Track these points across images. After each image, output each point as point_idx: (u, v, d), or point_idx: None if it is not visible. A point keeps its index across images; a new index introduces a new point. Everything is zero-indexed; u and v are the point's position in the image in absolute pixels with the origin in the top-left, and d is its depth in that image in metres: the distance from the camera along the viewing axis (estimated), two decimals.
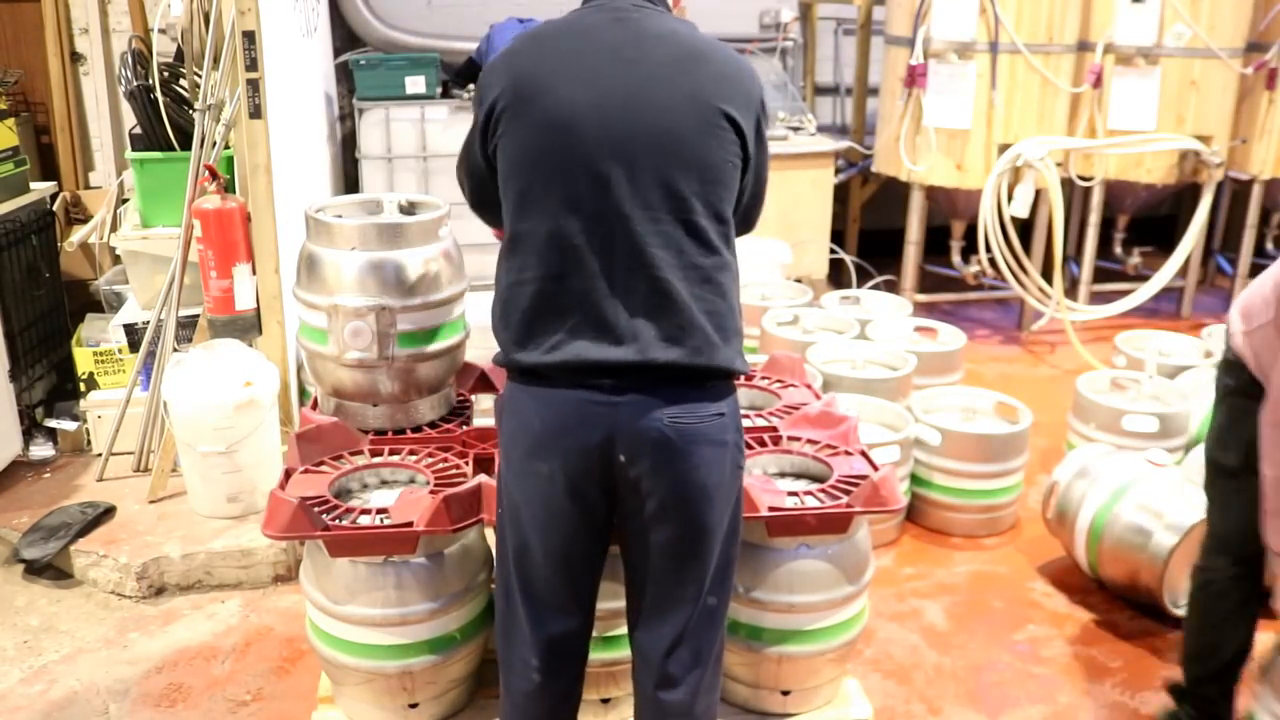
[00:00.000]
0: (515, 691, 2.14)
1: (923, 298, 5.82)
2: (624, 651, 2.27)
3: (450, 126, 5.17)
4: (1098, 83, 5.53)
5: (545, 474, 1.95)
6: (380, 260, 2.59)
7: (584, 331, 1.89)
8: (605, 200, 1.87)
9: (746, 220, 2.14)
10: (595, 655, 2.49)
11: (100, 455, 3.91)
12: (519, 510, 2.02)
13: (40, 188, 4.43)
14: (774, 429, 2.78)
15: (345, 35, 6.02)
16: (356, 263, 2.59)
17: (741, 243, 2.09)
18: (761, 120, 2.00)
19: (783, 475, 2.67)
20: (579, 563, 2.05)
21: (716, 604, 2.07)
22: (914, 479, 3.81)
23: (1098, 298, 5.86)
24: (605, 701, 2.59)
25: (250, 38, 3.39)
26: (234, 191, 3.62)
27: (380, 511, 2.36)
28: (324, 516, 2.32)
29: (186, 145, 3.76)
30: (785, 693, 2.60)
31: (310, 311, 2.68)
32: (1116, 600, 3.35)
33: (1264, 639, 2.63)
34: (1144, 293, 5.68)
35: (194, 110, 3.71)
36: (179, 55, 3.97)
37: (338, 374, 2.69)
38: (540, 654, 2.08)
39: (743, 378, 3.08)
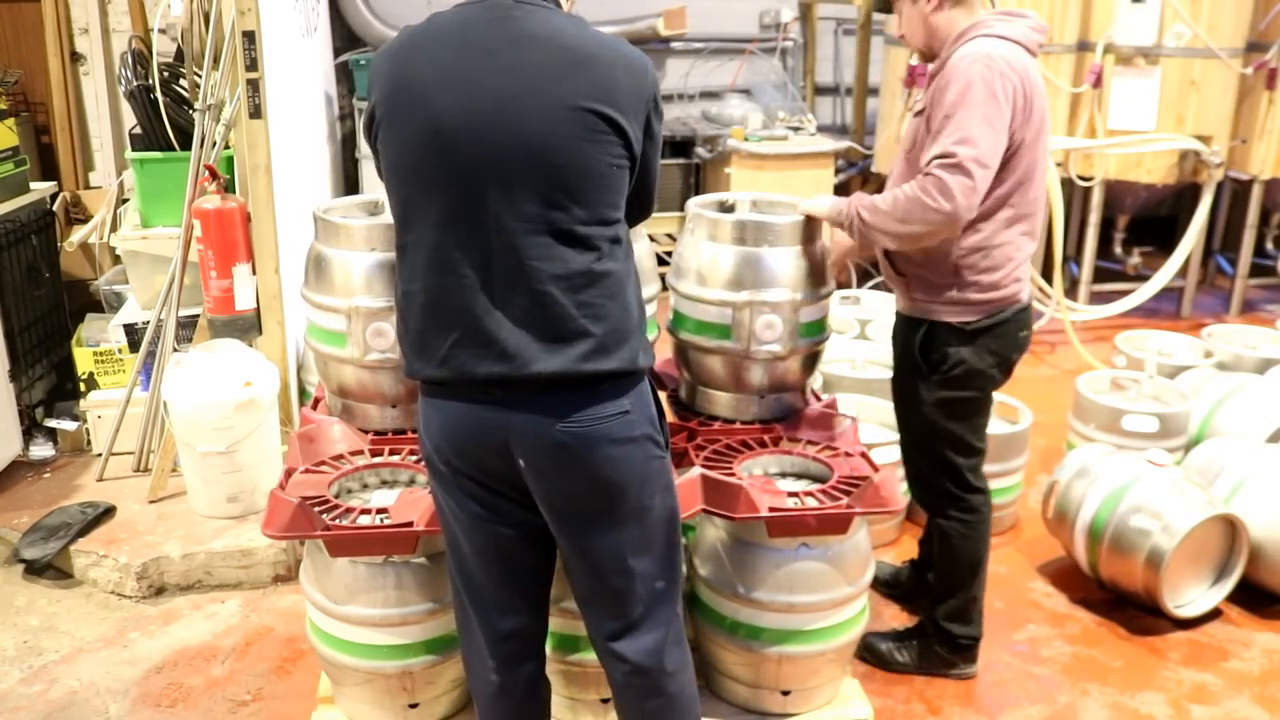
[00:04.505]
0: (480, 694, 2.16)
1: None
2: None
3: None
4: (1098, 83, 5.53)
5: (459, 472, 1.95)
6: (392, 261, 2.58)
7: (467, 345, 1.86)
8: (481, 213, 1.82)
9: (643, 208, 2.07)
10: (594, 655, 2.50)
11: (100, 455, 3.91)
12: (445, 512, 2.03)
13: (40, 188, 4.43)
14: (774, 429, 2.78)
15: (345, 35, 6.03)
16: (368, 264, 2.58)
17: None
18: (652, 118, 1.92)
19: (783, 476, 2.68)
20: (512, 559, 2.04)
21: (666, 586, 2.05)
22: None
23: (1098, 298, 5.86)
24: (605, 701, 2.59)
25: (250, 38, 3.39)
26: (234, 191, 3.62)
27: (380, 511, 2.36)
28: (324, 516, 2.32)
29: (186, 145, 3.76)
30: (785, 693, 2.61)
31: (324, 314, 2.67)
32: (1116, 600, 3.35)
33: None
34: (1144, 293, 5.68)
35: (194, 110, 3.71)
36: (179, 55, 3.97)
37: (351, 375, 2.68)
38: (494, 653, 2.09)
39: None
